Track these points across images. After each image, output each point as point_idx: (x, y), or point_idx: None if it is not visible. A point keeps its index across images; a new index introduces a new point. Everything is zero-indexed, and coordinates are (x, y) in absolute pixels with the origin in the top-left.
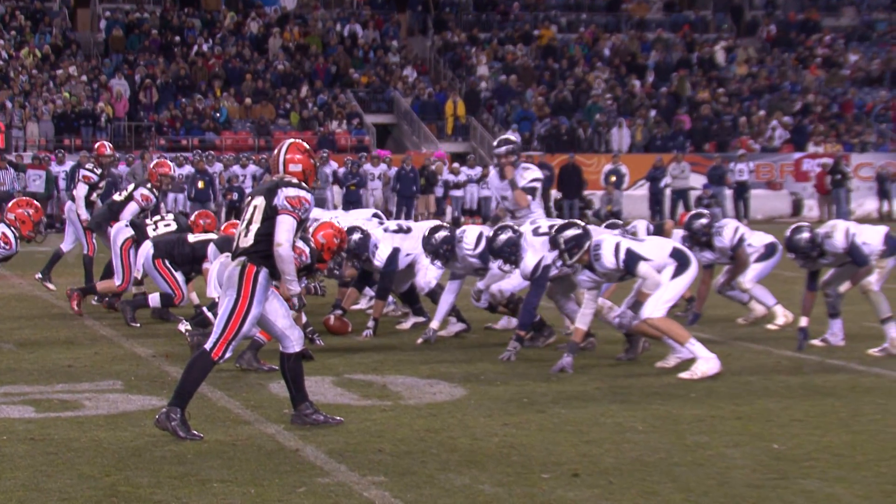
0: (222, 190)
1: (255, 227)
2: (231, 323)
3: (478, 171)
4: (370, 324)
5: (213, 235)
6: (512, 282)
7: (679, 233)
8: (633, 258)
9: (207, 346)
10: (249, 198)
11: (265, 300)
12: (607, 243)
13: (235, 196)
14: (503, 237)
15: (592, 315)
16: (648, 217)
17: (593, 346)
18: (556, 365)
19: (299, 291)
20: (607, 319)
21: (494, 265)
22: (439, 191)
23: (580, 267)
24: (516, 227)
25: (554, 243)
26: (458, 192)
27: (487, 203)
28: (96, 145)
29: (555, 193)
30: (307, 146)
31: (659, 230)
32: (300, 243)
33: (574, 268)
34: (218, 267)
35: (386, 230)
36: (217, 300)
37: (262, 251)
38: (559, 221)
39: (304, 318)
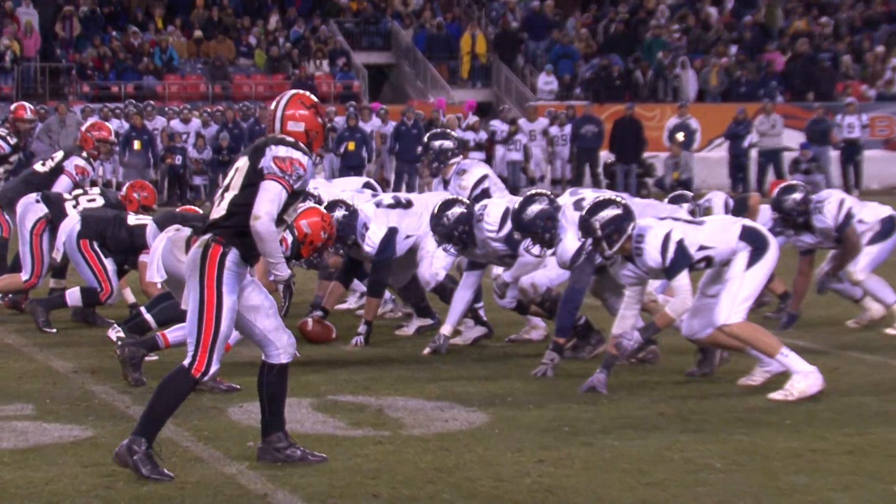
0: (161, 152)
1: (230, 194)
2: (204, 325)
3: (504, 126)
4: (361, 329)
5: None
6: (548, 273)
7: (768, 209)
8: (680, 259)
9: (186, 361)
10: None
11: (239, 289)
12: (654, 233)
13: (178, 160)
14: (535, 207)
15: (636, 319)
16: (728, 187)
17: (656, 358)
18: (586, 383)
19: (288, 276)
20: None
21: (525, 252)
22: None
23: (620, 258)
24: (553, 197)
25: (587, 229)
26: (478, 155)
27: (516, 169)
28: (12, 106)
29: (605, 155)
30: (315, 100)
31: (742, 205)
32: None
33: (613, 259)
34: (164, 244)
35: (379, 205)
36: (160, 288)
37: (235, 226)
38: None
39: None
